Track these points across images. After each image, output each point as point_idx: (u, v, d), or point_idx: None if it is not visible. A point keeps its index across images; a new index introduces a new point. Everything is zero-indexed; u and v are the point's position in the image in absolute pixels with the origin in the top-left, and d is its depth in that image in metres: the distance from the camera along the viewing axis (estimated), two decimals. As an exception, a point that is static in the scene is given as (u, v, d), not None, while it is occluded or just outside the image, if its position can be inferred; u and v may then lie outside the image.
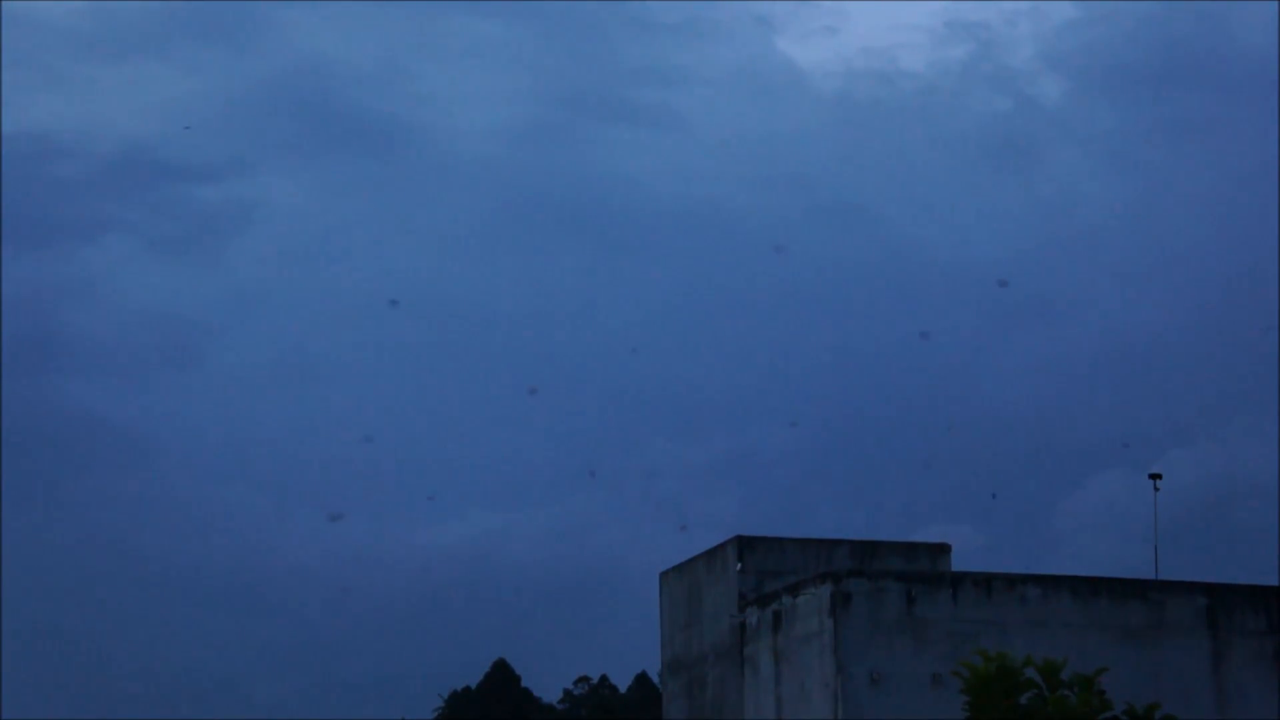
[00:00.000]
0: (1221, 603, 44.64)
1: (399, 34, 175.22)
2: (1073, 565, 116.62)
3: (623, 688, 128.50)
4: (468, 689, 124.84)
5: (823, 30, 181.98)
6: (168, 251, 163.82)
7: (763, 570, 47.23)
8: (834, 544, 48.16)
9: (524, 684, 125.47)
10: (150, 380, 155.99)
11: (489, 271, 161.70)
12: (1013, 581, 43.67)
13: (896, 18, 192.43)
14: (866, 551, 47.87)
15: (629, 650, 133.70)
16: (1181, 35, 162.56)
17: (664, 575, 51.69)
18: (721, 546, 48.36)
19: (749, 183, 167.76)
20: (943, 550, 48.55)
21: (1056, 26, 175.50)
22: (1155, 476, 50.73)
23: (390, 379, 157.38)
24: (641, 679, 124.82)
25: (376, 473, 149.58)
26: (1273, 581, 46.18)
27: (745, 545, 47.53)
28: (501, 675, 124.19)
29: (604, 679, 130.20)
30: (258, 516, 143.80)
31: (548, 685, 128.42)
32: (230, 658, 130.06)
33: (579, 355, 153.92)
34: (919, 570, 45.63)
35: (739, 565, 47.33)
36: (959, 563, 48.00)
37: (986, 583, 43.49)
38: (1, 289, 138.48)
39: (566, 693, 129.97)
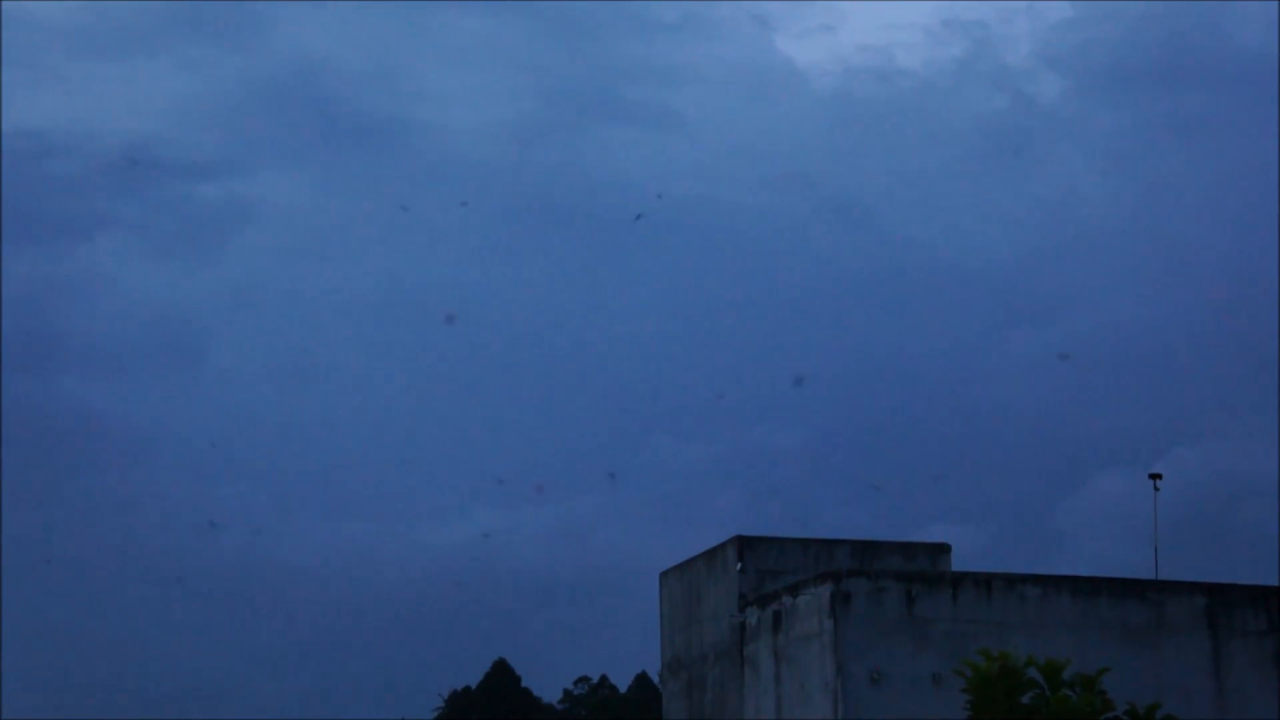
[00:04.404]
0: (1221, 603, 44.65)
1: (397, 32, 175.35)
2: (1073, 565, 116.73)
3: (623, 688, 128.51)
4: (468, 689, 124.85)
5: (820, 28, 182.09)
6: (166, 250, 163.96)
7: (763, 570, 47.25)
8: (834, 544, 48.19)
9: (524, 684, 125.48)
10: (150, 379, 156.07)
11: (488, 270, 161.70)
12: (1013, 581, 43.68)
13: (893, 16, 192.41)
14: (866, 551, 47.90)
15: (629, 650, 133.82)
16: (1179, 34, 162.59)
17: (664, 575, 51.71)
18: (721, 546, 48.38)
19: (747, 181, 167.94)
20: (943, 550, 48.58)
21: (1053, 25, 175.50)
22: (1155, 476, 50.75)
23: (390, 378, 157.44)
24: (641, 679, 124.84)
25: (376, 473, 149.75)
26: (1273, 581, 46.20)
27: (745, 545, 47.56)
28: (501, 675, 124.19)
29: (604, 679, 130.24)
30: (258, 516, 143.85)
31: (548, 685, 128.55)
32: (230, 658, 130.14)
33: (578, 354, 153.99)
34: (919, 570, 45.64)
35: (739, 565, 47.34)
36: (959, 563, 48.06)
37: (986, 583, 43.50)
38: (1, 287, 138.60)
39: (566, 693, 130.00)
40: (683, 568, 50.67)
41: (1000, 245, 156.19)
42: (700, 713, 49.08)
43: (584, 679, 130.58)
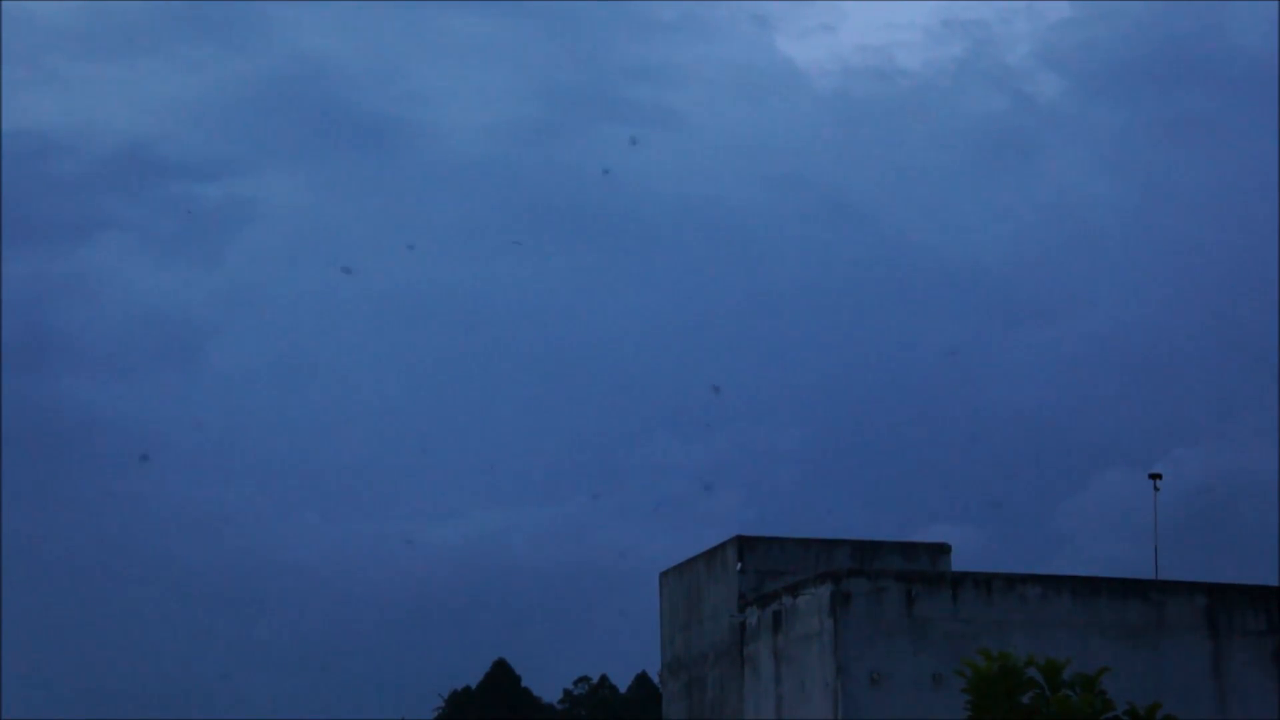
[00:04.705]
0: (1221, 603, 44.66)
1: (397, 32, 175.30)
2: (1073, 565, 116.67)
3: (623, 688, 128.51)
4: (468, 689, 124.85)
5: (820, 28, 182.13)
6: (166, 250, 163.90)
7: (763, 570, 47.26)
8: (834, 544, 48.20)
9: (524, 684, 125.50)
10: (150, 379, 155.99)
11: (488, 270, 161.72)
12: (1013, 581, 43.69)
13: (893, 16, 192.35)
14: (866, 551, 47.90)
15: (629, 650, 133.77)
16: (1179, 34, 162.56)
17: (664, 575, 51.71)
18: (721, 546, 48.38)
19: (747, 181, 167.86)
20: (943, 550, 48.59)
21: (1053, 25, 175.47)
22: (1155, 476, 50.80)
23: (390, 378, 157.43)
24: (641, 679, 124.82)
25: (377, 473, 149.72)
26: (1273, 581, 46.23)
27: (745, 545, 47.57)
28: (501, 675, 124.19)
29: (604, 679, 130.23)
30: (258, 516, 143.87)
31: (548, 685, 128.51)
32: (230, 658, 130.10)
33: (578, 355, 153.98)
34: (919, 570, 45.65)
35: (739, 565, 47.35)
36: (959, 563, 48.07)
37: (986, 583, 43.51)
38: (1, 287, 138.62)
39: (566, 693, 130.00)
40: (683, 568, 50.67)
41: (1000, 245, 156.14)
42: (700, 713, 49.08)
43: (584, 679, 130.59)
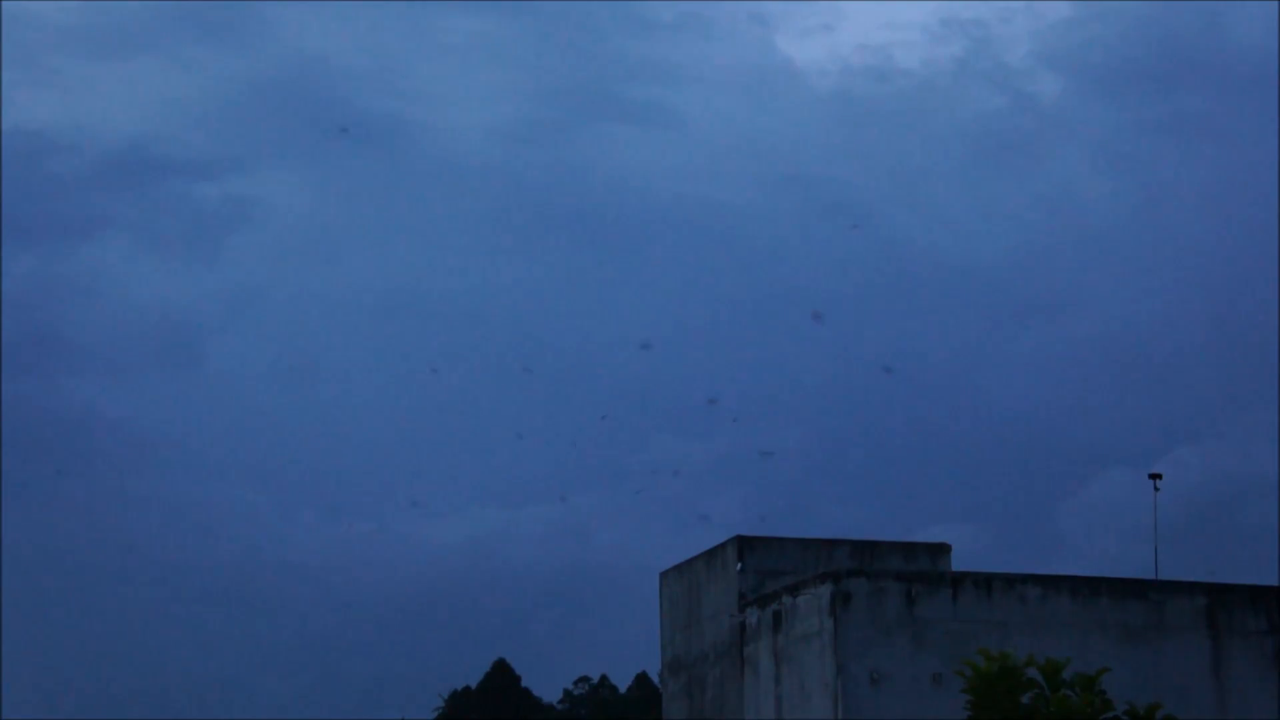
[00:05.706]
0: (1221, 603, 44.64)
1: (396, 32, 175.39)
2: (1073, 565, 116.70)
3: (623, 688, 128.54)
4: (468, 689, 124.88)
5: (820, 28, 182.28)
6: (166, 249, 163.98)
7: (763, 570, 47.24)
8: (834, 544, 48.18)
9: (524, 684, 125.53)
10: (150, 379, 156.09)
11: (488, 270, 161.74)
12: (1013, 581, 43.67)
13: (892, 16, 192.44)
14: (866, 551, 47.88)
15: (629, 650, 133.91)
16: (1179, 33, 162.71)
17: (664, 575, 51.69)
18: (721, 546, 48.37)
19: (746, 181, 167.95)
20: (943, 550, 48.56)
21: (1052, 24, 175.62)
22: (1155, 476, 50.78)
23: (389, 378, 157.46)
24: (641, 679, 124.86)
25: (376, 473, 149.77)
26: (1273, 581, 46.20)
27: (745, 545, 47.55)
28: (501, 675, 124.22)
29: (604, 679, 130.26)
30: (258, 516, 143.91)
31: (548, 685, 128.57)
32: (230, 658, 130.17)
33: (578, 355, 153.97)
34: (919, 570, 45.63)
35: (739, 565, 47.34)
36: (959, 563, 48.04)
37: (986, 583, 43.49)
38: (1, 287, 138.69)
39: (566, 693, 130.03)
40: (683, 568, 50.65)
41: (1000, 245, 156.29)
42: (700, 713, 49.08)
43: (584, 679, 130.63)
